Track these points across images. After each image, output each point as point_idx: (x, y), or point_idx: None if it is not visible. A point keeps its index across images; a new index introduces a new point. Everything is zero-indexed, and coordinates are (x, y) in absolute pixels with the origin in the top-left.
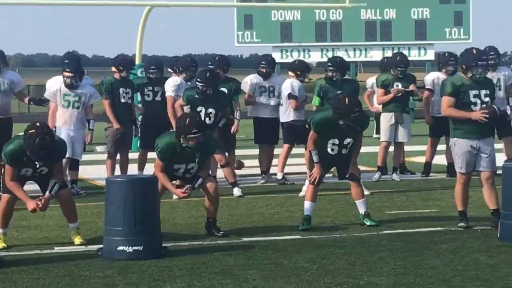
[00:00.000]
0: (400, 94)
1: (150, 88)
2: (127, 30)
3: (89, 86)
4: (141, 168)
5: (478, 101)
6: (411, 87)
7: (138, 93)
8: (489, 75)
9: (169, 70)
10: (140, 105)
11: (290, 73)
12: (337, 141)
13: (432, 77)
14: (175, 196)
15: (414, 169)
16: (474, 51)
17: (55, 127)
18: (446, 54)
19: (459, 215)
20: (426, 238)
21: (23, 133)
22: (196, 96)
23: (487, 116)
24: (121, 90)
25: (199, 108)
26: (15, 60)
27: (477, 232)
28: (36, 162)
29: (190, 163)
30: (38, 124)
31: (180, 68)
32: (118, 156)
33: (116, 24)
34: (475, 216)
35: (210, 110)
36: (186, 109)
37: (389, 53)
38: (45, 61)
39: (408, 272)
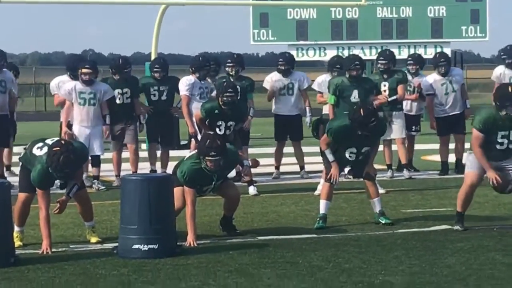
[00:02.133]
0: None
1: (156, 87)
2: (144, 29)
3: (102, 83)
4: (153, 163)
5: (506, 141)
6: (399, 90)
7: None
8: (511, 73)
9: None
10: (146, 105)
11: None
12: (355, 150)
13: (430, 81)
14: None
15: (430, 167)
16: (510, 89)
17: (71, 125)
18: (437, 55)
19: (456, 215)
20: (442, 237)
21: (41, 153)
22: (216, 111)
23: (497, 183)
24: (116, 91)
25: (219, 122)
26: (32, 59)
27: (493, 231)
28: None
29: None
30: (63, 142)
31: (193, 68)
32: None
33: (132, 23)
34: (491, 215)
35: (231, 123)
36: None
37: (405, 51)
38: (61, 60)
39: (424, 271)
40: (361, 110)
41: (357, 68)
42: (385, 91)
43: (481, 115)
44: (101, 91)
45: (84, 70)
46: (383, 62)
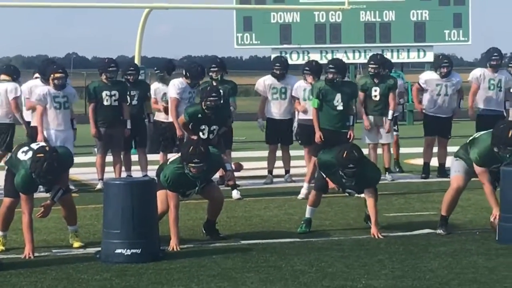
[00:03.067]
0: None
1: (127, 92)
2: (127, 32)
3: (70, 86)
4: (128, 169)
5: (495, 169)
6: (391, 100)
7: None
8: (491, 75)
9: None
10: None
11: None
12: (345, 182)
13: (425, 78)
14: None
15: (413, 171)
16: (510, 134)
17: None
18: (440, 56)
19: (440, 219)
20: (425, 240)
21: (25, 157)
22: (199, 115)
23: (494, 226)
24: (104, 93)
25: (202, 127)
26: (16, 62)
27: (476, 235)
28: (40, 185)
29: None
30: (47, 148)
31: (188, 74)
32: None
33: (116, 26)
34: (473, 219)
35: (214, 127)
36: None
37: (388, 55)
38: None
39: (406, 275)
40: (346, 152)
41: (331, 72)
42: (376, 96)
43: (480, 150)
44: (71, 94)
45: (57, 75)
46: (374, 66)
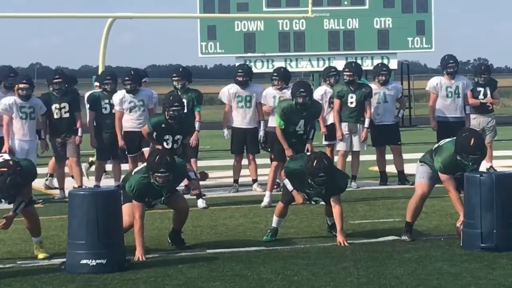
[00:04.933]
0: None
1: (107, 101)
2: (91, 42)
3: (37, 98)
4: (98, 179)
5: (459, 175)
6: (367, 109)
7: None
8: (448, 82)
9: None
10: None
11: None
12: (312, 191)
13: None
14: None
15: (377, 178)
16: (472, 142)
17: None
18: (379, 64)
19: (405, 226)
20: (390, 247)
21: None
22: (163, 125)
23: (459, 232)
24: (53, 106)
25: (166, 136)
26: None
27: (440, 241)
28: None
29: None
30: (11, 162)
31: (125, 80)
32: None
33: (80, 36)
34: (438, 226)
35: (178, 136)
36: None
37: None
38: None
39: (372, 282)
40: (315, 161)
41: (302, 96)
42: (352, 103)
43: (444, 158)
44: (37, 105)
45: (21, 86)
46: (349, 74)
